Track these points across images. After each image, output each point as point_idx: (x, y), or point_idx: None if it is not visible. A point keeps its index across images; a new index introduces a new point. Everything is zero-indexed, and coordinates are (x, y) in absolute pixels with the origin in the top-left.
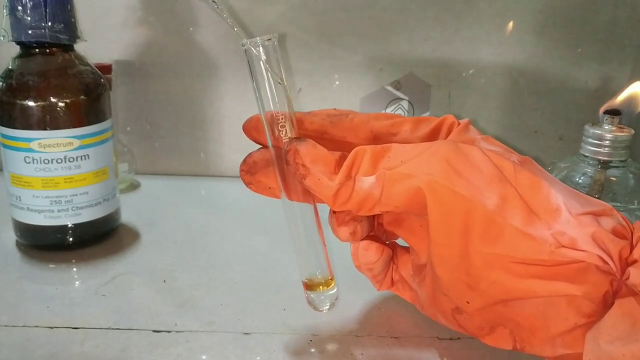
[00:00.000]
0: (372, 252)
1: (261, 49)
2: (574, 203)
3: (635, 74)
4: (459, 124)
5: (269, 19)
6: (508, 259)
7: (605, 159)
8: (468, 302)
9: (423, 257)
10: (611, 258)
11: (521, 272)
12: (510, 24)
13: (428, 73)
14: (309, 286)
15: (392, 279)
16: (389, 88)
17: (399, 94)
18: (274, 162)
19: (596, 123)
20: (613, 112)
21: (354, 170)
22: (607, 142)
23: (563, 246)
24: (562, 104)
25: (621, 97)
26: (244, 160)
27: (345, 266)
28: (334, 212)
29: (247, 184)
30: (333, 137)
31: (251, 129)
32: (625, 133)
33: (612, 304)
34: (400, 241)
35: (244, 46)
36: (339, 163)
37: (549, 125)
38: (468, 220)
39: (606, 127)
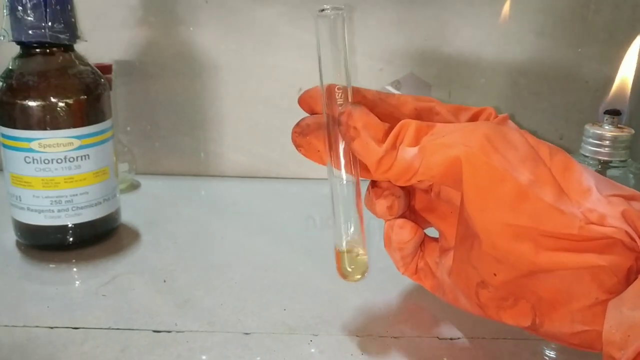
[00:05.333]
0: (407, 230)
1: (329, 18)
2: (604, 186)
3: (636, 73)
4: (496, 116)
5: (269, 19)
6: (537, 232)
7: (606, 159)
8: (495, 275)
9: (452, 241)
10: (638, 235)
11: (550, 245)
12: (507, 6)
13: (428, 73)
14: (341, 255)
15: (416, 266)
16: (389, 88)
17: (399, 93)
18: (326, 128)
19: (596, 123)
20: (613, 112)
21: (399, 141)
22: (607, 142)
23: (592, 223)
24: (562, 104)
25: (612, 92)
26: (297, 123)
27: None
28: (372, 187)
29: (298, 146)
30: (381, 112)
31: (309, 98)
32: (626, 133)
33: (634, 280)
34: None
35: (315, 13)
36: (387, 133)
37: (549, 125)
38: (500, 192)
39: (606, 127)
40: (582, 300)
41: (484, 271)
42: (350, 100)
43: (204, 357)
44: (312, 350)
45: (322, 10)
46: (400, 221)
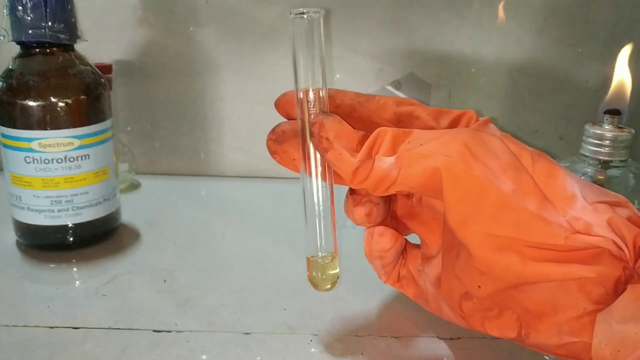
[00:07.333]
0: (387, 238)
1: (305, 21)
2: (589, 192)
3: (635, 73)
4: (477, 120)
5: (269, 18)
6: (522, 242)
7: (606, 158)
8: (479, 287)
9: (434, 249)
10: (625, 244)
11: (535, 256)
12: (500, 8)
13: (428, 73)
14: (313, 264)
15: (398, 274)
16: (389, 88)
17: (399, 93)
18: (300, 134)
19: (596, 123)
20: (613, 112)
21: (375, 150)
22: (608, 142)
23: (578, 232)
24: (562, 104)
25: (610, 91)
26: (273, 130)
27: (347, 266)
28: (350, 194)
29: (273, 153)
30: (360, 116)
31: (285, 102)
32: (626, 133)
33: (623, 291)
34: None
35: (291, 15)
36: (362, 141)
37: (549, 125)
38: (482, 203)
39: (606, 127)
40: (569, 312)
41: (467, 283)
42: (325, 105)
43: (204, 357)
44: (312, 350)
45: (299, 13)
46: (380, 229)
